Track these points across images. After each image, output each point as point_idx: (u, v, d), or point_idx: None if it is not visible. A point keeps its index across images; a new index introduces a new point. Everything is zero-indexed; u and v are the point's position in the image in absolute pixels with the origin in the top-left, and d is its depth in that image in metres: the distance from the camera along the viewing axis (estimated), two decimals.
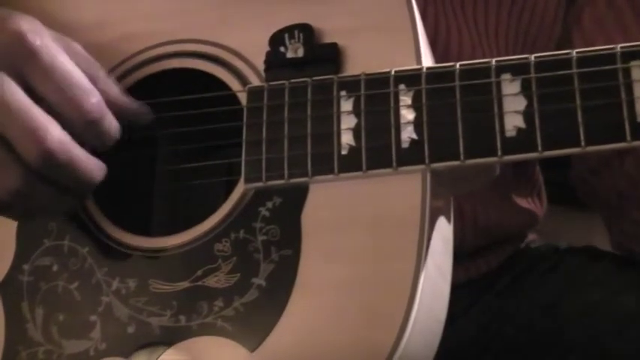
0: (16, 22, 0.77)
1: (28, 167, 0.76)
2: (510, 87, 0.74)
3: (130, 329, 0.79)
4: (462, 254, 0.92)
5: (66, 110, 0.77)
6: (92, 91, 0.79)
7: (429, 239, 0.75)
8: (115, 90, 0.82)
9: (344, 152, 0.77)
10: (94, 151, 0.80)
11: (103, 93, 0.80)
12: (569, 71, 0.73)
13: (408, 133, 0.76)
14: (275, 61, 0.81)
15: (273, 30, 0.81)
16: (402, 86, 0.77)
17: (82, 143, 0.79)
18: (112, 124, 0.80)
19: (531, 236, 1.18)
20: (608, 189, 1.05)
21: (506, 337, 1.06)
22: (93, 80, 0.80)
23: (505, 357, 1.06)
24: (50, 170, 0.77)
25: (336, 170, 0.77)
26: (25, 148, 0.76)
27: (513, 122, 0.73)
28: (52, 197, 0.79)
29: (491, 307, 1.09)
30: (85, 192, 0.81)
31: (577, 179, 1.10)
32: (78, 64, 0.80)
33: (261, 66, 0.82)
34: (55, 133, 0.76)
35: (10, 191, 0.77)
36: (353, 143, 0.77)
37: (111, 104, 0.80)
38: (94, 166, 0.79)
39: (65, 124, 0.77)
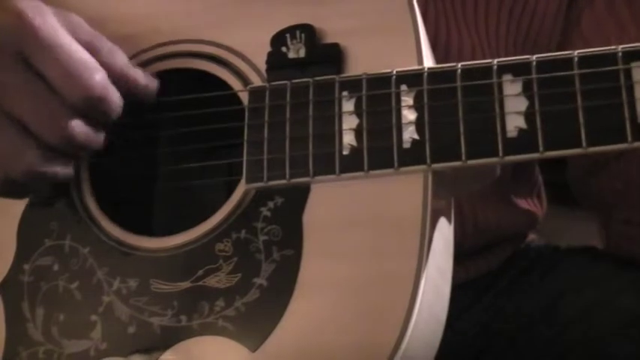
0: (16, 2, 0.77)
1: (44, 146, 0.77)
2: (512, 88, 0.74)
3: (131, 329, 0.79)
4: (462, 254, 0.92)
5: (67, 87, 0.76)
6: (96, 67, 0.78)
7: (430, 239, 0.75)
8: (120, 61, 0.81)
9: (345, 152, 0.77)
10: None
11: (107, 66, 0.79)
12: (570, 72, 0.73)
13: (409, 134, 0.76)
14: (277, 62, 0.81)
15: (275, 30, 0.81)
16: (403, 86, 0.77)
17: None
18: (114, 102, 0.79)
19: (531, 236, 1.18)
20: (604, 189, 1.05)
21: (506, 337, 1.06)
22: (96, 52, 0.79)
23: (505, 357, 1.06)
24: (70, 149, 0.78)
25: (337, 170, 0.77)
26: (43, 130, 0.76)
27: (515, 123, 0.74)
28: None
29: (491, 307, 1.09)
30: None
31: (573, 179, 1.10)
32: (79, 37, 0.79)
33: (262, 66, 0.82)
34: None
35: (24, 172, 0.78)
36: (354, 143, 0.77)
37: (116, 77, 0.80)
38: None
39: (66, 101, 0.76)
